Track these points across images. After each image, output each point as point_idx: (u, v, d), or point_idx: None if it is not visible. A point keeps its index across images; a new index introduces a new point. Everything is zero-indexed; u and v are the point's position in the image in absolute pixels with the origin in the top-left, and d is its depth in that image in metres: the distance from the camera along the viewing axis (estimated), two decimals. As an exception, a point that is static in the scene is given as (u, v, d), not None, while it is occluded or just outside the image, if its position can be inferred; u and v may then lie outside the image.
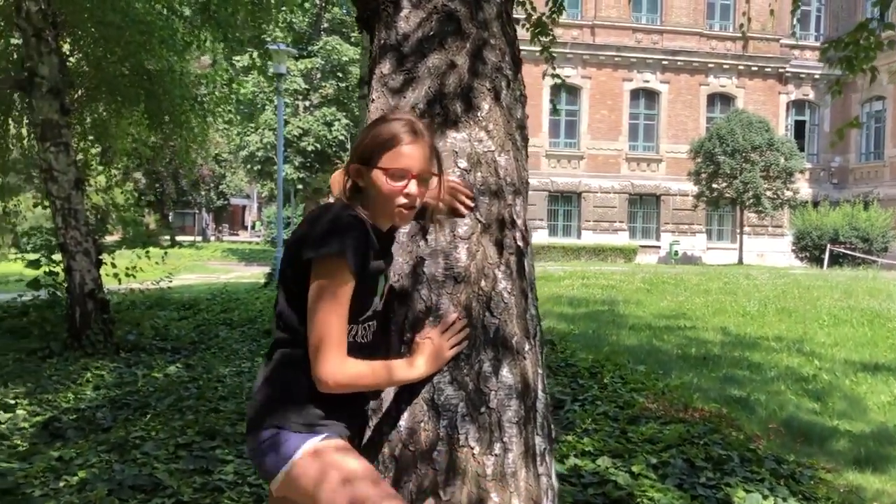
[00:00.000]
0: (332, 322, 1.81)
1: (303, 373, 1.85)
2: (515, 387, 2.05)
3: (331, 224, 1.83)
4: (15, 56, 8.52)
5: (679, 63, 33.06)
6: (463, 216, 2.09)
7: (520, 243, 2.20)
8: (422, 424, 1.98)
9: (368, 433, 2.07)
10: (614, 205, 32.60)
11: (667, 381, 6.64)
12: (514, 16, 4.88)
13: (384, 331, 2.07)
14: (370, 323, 1.99)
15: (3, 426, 5.18)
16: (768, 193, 28.81)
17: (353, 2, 2.54)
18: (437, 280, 2.06)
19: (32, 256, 8.49)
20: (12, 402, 5.69)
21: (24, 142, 10.51)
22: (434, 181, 1.97)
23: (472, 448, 1.96)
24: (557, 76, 5.95)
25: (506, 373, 2.04)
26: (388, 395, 2.05)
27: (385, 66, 2.33)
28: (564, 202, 32.81)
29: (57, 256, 8.05)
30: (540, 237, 31.08)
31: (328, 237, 1.81)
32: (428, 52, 2.28)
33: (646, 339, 9.24)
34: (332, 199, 2.02)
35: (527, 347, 2.12)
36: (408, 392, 2.01)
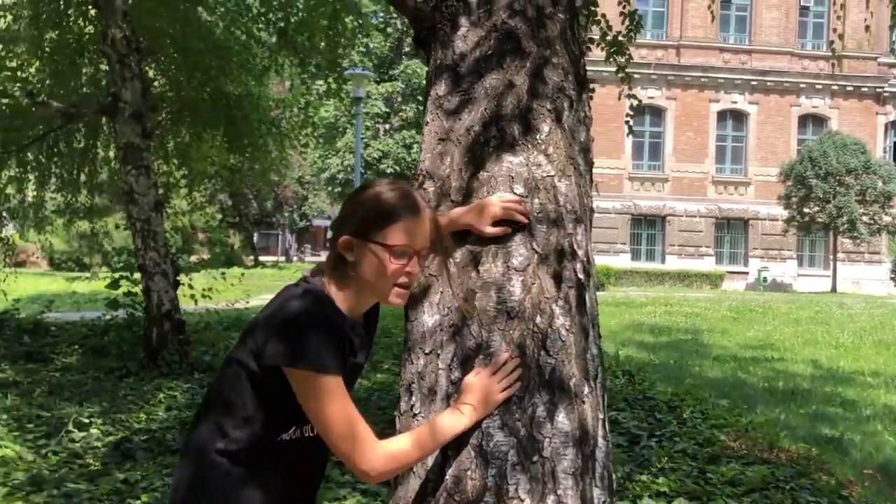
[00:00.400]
0: (343, 419, 1.67)
1: (229, 465, 1.71)
2: (572, 433, 1.88)
3: (306, 326, 1.65)
4: (104, 82, 8.83)
5: (769, 84, 32.04)
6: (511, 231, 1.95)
7: (580, 276, 2.03)
8: (468, 473, 1.83)
9: (413, 479, 1.93)
10: (700, 229, 31.69)
11: (751, 418, 6.27)
12: (591, 35, 4.69)
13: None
14: None
15: (77, 445, 5.26)
16: (864, 218, 27.51)
17: (411, 21, 2.44)
18: (488, 315, 1.92)
19: (117, 276, 8.73)
20: (87, 420, 5.79)
21: (112, 165, 10.89)
22: (430, 256, 1.84)
23: (523, 500, 1.79)
24: (633, 97, 5.73)
25: (562, 418, 1.87)
26: (434, 438, 1.91)
27: (440, 88, 2.21)
28: (648, 226, 32.09)
29: (137, 276, 8.24)
30: (622, 261, 30.46)
31: (306, 345, 1.64)
32: (485, 71, 2.15)
33: (730, 372, 8.82)
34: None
35: (586, 390, 1.95)
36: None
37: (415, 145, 29.18)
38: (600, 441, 1.98)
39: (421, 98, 29.12)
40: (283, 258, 48.80)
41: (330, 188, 32.99)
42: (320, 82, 11.12)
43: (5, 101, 7.11)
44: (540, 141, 2.06)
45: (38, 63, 8.26)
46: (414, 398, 2.01)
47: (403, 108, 30.36)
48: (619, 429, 5.62)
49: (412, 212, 1.73)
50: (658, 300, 19.25)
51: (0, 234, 13.87)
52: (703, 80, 31.81)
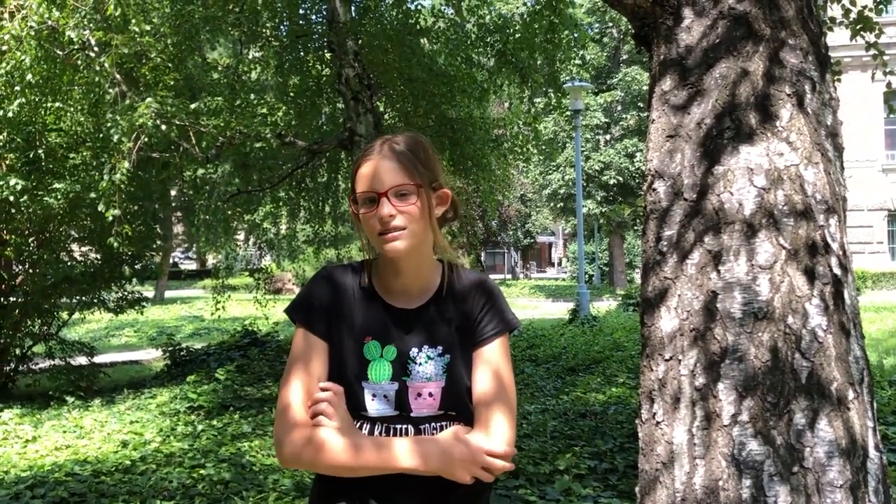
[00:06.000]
0: (284, 382, 1.59)
1: None
2: (837, 443, 1.71)
3: None
4: (341, 119, 9.55)
5: None
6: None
7: (836, 271, 1.85)
8: (720, 483, 1.73)
9: (661, 489, 1.86)
10: (974, 222, 27.87)
11: None
12: (830, 13, 4.31)
13: None
14: (380, 424, 1.57)
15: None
16: None
17: (630, 19, 2.39)
18: (733, 317, 1.81)
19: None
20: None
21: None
22: (422, 194, 1.59)
23: (785, 515, 1.66)
24: (892, 72, 5.15)
25: (824, 426, 1.72)
26: (681, 447, 1.82)
27: (666, 83, 2.14)
28: (908, 222, 28.74)
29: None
30: (880, 263, 27.51)
31: None
32: (714, 61, 2.06)
33: None
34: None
35: (851, 395, 1.77)
36: (701, 444, 1.77)
37: (637, 154, 28.48)
38: (872, 452, 1.79)
39: (642, 105, 28.46)
40: (509, 275, 49.65)
41: (552, 204, 33.08)
42: (538, 99, 11.23)
43: (259, 144, 7.90)
44: (781, 128, 1.93)
45: (284, 107, 9.12)
46: (656, 406, 1.95)
47: (624, 116, 29.78)
48: (889, 444, 5.05)
49: (365, 155, 1.61)
50: (927, 303, 17.15)
51: (259, 265, 15.44)
52: (967, 52, 28.05)
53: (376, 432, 1.55)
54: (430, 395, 1.58)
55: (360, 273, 1.67)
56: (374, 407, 1.57)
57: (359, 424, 1.56)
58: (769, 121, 1.95)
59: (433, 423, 1.58)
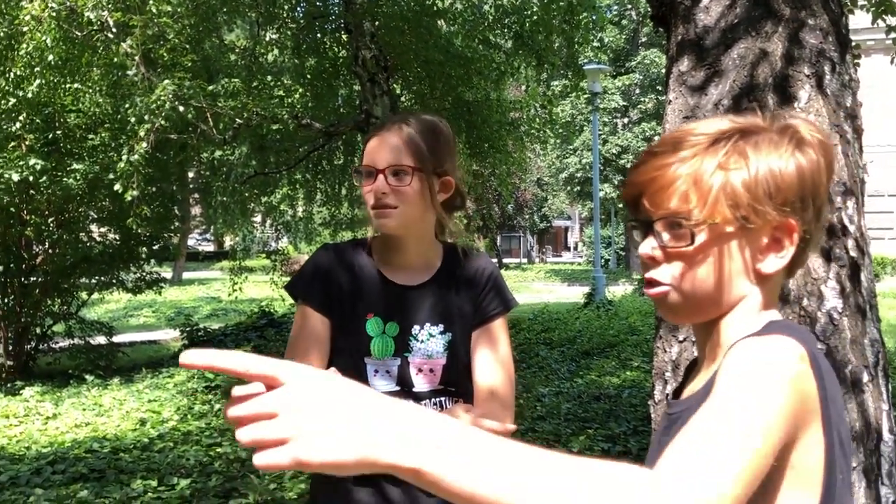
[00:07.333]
0: (288, 346, 1.60)
1: None
2: (851, 425, 1.71)
3: None
4: (357, 101, 9.56)
5: None
6: None
7: (853, 253, 1.85)
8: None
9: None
10: None
11: None
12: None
13: None
14: None
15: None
16: None
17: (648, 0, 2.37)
18: (747, 298, 1.81)
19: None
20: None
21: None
22: (422, 178, 1.57)
23: (796, 496, 1.66)
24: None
25: (838, 408, 1.72)
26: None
27: (683, 64, 2.13)
28: (929, 207, 28.37)
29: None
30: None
31: None
32: (732, 42, 2.04)
33: None
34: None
35: (865, 378, 1.77)
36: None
37: (655, 138, 28.23)
38: (886, 435, 1.78)
39: (660, 88, 28.18)
40: (525, 259, 49.58)
41: (568, 188, 32.95)
42: (556, 82, 11.17)
43: (276, 126, 7.92)
44: (799, 109, 1.92)
45: (300, 89, 9.13)
46: (669, 387, 1.95)
47: (642, 99, 29.54)
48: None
49: (376, 130, 1.62)
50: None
51: (276, 247, 15.53)
52: None
53: None
54: (431, 371, 1.59)
55: (362, 249, 1.67)
56: (376, 383, 1.57)
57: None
58: (788, 102, 1.94)
59: (433, 399, 1.59)
